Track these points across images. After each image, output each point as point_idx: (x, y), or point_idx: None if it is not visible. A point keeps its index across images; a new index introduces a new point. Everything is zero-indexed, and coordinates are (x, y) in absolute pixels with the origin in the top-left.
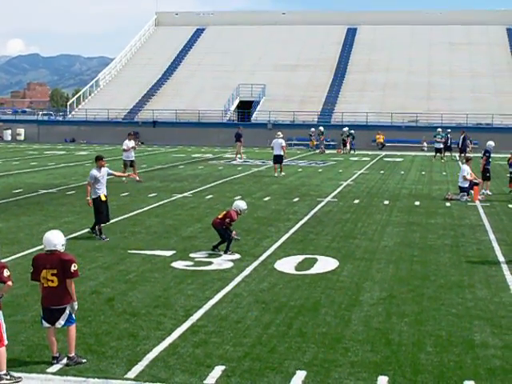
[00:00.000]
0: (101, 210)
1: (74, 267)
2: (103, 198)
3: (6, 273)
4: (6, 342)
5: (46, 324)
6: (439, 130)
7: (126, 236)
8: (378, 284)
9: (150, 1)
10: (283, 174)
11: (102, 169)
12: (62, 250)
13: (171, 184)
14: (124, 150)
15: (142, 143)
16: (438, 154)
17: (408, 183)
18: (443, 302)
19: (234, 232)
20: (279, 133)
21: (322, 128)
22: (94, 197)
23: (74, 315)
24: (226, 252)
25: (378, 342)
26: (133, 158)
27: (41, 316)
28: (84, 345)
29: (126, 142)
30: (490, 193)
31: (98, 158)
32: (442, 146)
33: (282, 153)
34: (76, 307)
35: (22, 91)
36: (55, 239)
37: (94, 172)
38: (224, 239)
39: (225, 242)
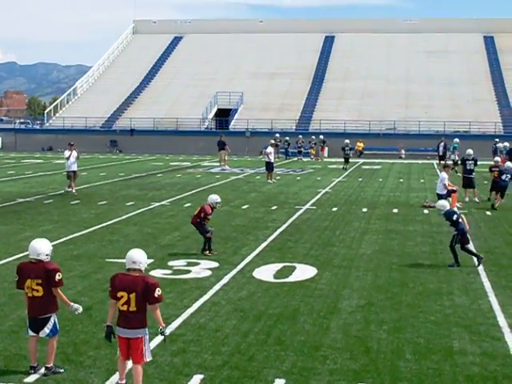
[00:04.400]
0: None
1: (58, 276)
2: None
3: None
4: None
5: (31, 332)
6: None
7: (104, 245)
8: (356, 292)
9: (128, 9)
10: (274, 180)
11: None
12: (47, 260)
13: (149, 192)
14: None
15: (120, 151)
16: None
17: (386, 191)
18: (422, 310)
19: (209, 233)
20: (272, 140)
21: (322, 137)
22: None
23: (58, 325)
24: (203, 250)
25: (356, 349)
26: (73, 168)
27: (26, 325)
28: (62, 354)
29: (66, 151)
30: (478, 200)
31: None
32: None
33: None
34: (76, 306)
35: None
36: (40, 248)
37: None
38: (203, 236)
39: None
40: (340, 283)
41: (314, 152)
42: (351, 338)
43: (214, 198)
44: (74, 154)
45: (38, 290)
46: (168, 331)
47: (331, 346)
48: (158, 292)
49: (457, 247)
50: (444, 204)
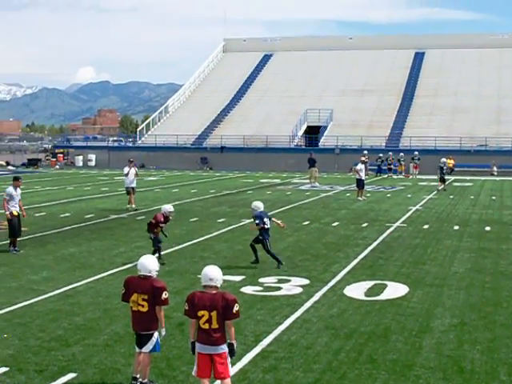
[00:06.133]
0: (13, 223)
1: (164, 295)
2: (15, 213)
3: None
4: None
5: (136, 348)
6: None
7: (195, 261)
8: (448, 310)
9: (218, 28)
10: (364, 198)
11: (18, 189)
12: (155, 276)
13: (240, 209)
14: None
15: (211, 168)
16: None
17: (478, 208)
18: None
19: (152, 235)
20: (362, 157)
21: (416, 153)
22: (7, 212)
23: (160, 344)
24: (153, 253)
25: (449, 369)
26: (132, 185)
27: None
28: (156, 369)
29: (125, 168)
30: None
31: (16, 179)
32: None
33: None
34: (164, 333)
35: (93, 118)
36: (150, 265)
37: (11, 190)
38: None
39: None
40: (432, 302)
41: (403, 169)
42: (444, 357)
43: (167, 207)
44: (133, 171)
45: (143, 306)
46: (259, 348)
47: (424, 365)
48: (236, 308)
49: None
50: None
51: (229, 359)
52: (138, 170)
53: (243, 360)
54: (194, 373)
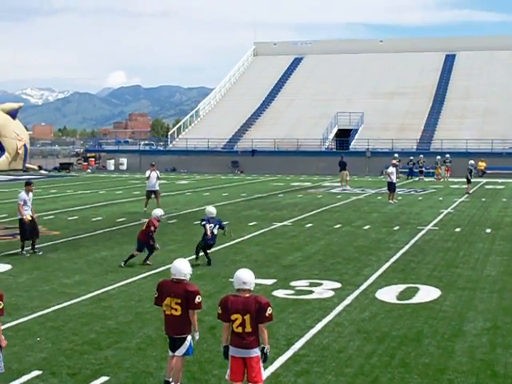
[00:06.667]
0: (25, 227)
1: (198, 299)
2: (29, 217)
3: None
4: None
5: (170, 352)
6: None
7: (226, 264)
8: (481, 314)
9: (249, 31)
10: (395, 201)
11: (30, 193)
12: (189, 280)
13: (271, 213)
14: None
15: (242, 172)
16: None
17: (511, 211)
18: None
19: (157, 244)
20: (393, 160)
21: (448, 155)
22: (20, 217)
23: (193, 347)
24: (145, 261)
25: (483, 373)
26: (155, 188)
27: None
28: (188, 373)
29: (147, 171)
30: None
31: (28, 184)
32: None
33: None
34: (197, 337)
35: (124, 122)
36: (184, 269)
37: (23, 195)
38: (149, 249)
39: (151, 253)
40: (464, 305)
41: (439, 171)
42: (477, 361)
43: (158, 212)
44: (155, 174)
45: (176, 309)
46: (291, 352)
47: (457, 369)
48: (269, 311)
49: None
50: None
51: (261, 363)
52: (159, 173)
53: (275, 364)
54: (227, 376)
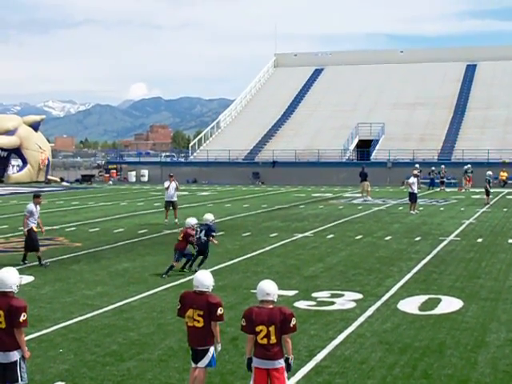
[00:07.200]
0: (32, 238)
1: (220, 311)
2: (35, 229)
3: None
4: None
5: (192, 363)
6: None
7: (248, 276)
8: (504, 325)
9: (269, 43)
10: (417, 211)
11: (38, 206)
12: (211, 291)
13: (292, 224)
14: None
15: (263, 183)
16: None
17: None
18: None
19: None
20: (415, 171)
21: (469, 165)
22: (27, 228)
23: (215, 359)
24: (185, 267)
25: None
26: (173, 199)
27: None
28: None
29: (166, 182)
30: None
31: (36, 196)
32: None
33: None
34: (219, 348)
35: (146, 133)
36: (207, 280)
37: (31, 207)
38: (186, 257)
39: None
40: (487, 316)
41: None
42: (500, 372)
43: (191, 221)
44: (173, 185)
45: (198, 321)
46: (313, 363)
47: (479, 380)
48: (293, 322)
49: None
50: None
51: (285, 374)
52: (178, 184)
53: (297, 375)
54: None
